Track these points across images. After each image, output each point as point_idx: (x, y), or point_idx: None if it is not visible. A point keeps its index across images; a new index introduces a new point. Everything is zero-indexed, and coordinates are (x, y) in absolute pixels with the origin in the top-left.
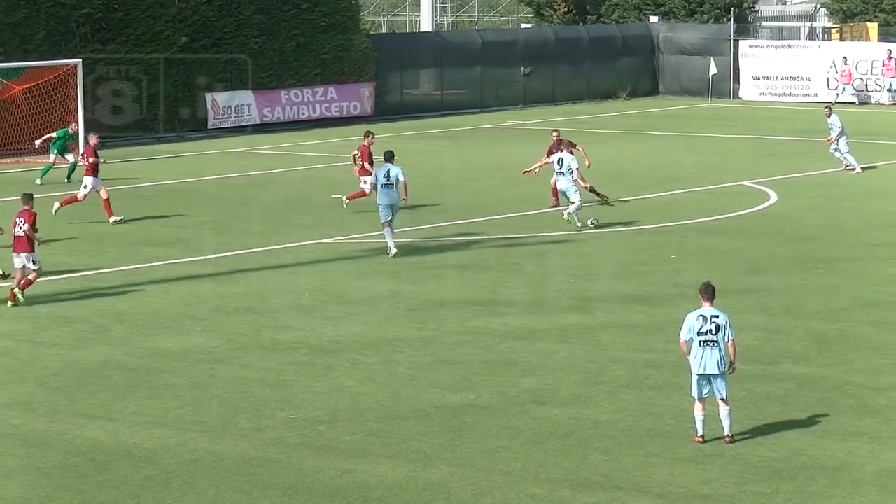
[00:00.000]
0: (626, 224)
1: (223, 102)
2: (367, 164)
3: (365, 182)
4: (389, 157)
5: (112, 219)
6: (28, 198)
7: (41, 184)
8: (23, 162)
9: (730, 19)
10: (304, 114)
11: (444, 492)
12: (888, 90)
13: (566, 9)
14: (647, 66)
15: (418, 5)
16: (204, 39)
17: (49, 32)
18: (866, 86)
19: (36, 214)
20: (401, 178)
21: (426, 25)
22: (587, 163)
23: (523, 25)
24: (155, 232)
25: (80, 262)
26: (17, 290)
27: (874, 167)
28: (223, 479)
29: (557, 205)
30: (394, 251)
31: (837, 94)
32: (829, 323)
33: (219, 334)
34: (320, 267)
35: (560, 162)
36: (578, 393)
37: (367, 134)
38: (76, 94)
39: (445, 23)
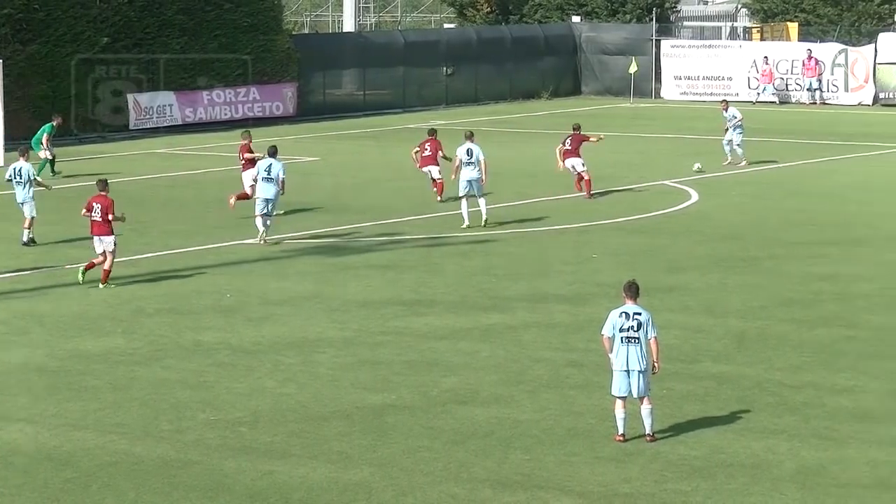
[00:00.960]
0: (547, 223)
1: (145, 103)
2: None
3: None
4: (273, 152)
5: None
6: (104, 183)
7: (55, 175)
8: None
9: (652, 19)
10: (226, 114)
11: (365, 492)
12: (808, 90)
13: (489, 9)
14: (569, 66)
15: (341, 5)
16: (125, 40)
17: None
18: (787, 85)
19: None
20: (281, 175)
21: (349, 25)
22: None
23: (446, 25)
24: (75, 233)
25: None
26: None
27: (792, 166)
28: (143, 481)
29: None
30: (263, 241)
31: (758, 94)
32: (748, 321)
33: (140, 336)
34: (242, 268)
35: (469, 153)
36: (500, 392)
37: (244, 134)
38: None
39: (368, 23)
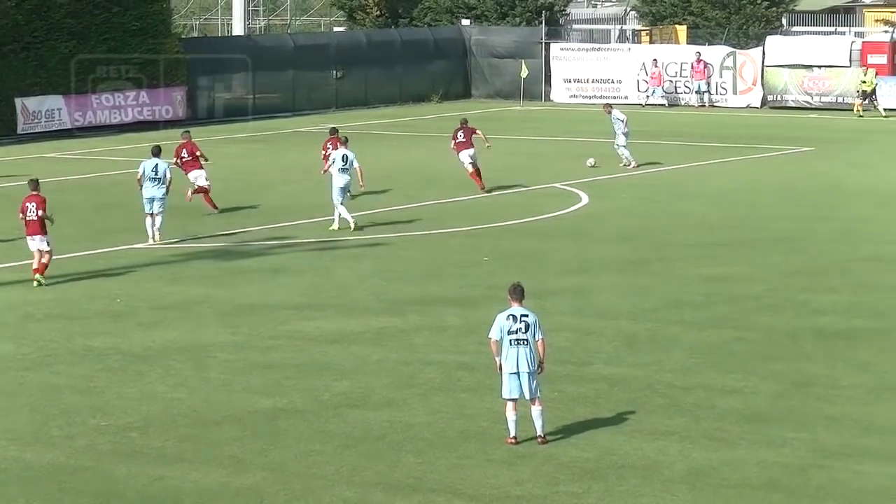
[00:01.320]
0: (438, 226)
1: (33, 107)
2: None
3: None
4: (157, 151)
5: None
6: (35, 183)
7: None
8: None
9: (541, 22)
10: (116, 118)
11: (257, 497)
12: (697, 92)
13: (378, 12)
14: (459, 69)
15: (230, 9)
16: (13, 43)
17: None
18: (675, 88)
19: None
20: (168, 175)
21: (238, 29)
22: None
23: (336, 29)
24: None
25: None
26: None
27: (681, 169)
28: (33, 488)
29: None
30: (154, 241)
31: (647, 97)
32: (639, 323)
33: (29, 341)
34: (132, 272)
35: (344, 158)
36: (392, 396)
37: (185, 134)
38: None
39: (258, 26)
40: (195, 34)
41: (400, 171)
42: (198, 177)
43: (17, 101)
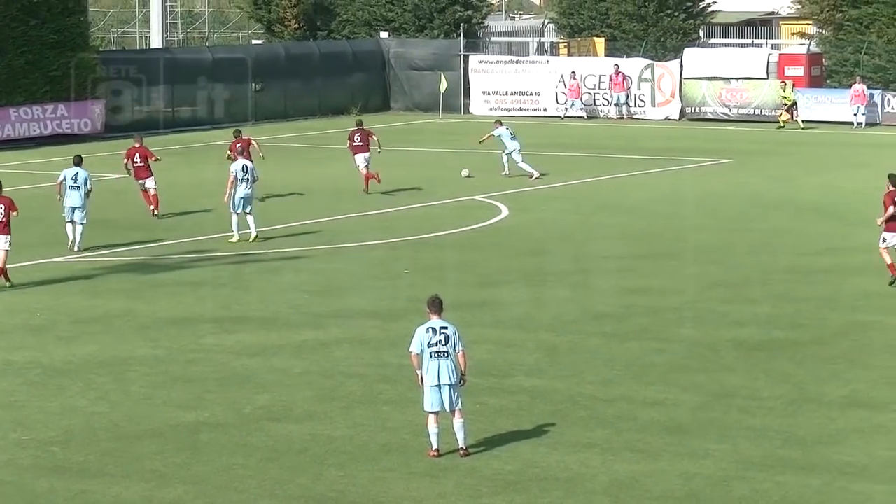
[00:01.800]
0: (358, 239)
1: None
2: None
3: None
4: (78, 161)
5: None
6: None
7: None
8: None
9: (459, 35)
10: (35, 131)
11: None
12: (615, 104)
13: (296, 25)
14: (378, 82)
15: (148, 22)
16: None
17: None
18: (594, 100)
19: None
20: (88, 183)
21: (156, 42)
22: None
23: (254, 42)
24: None
25: None
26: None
27: (601, 181)
28: None
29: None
30: (75, 248)
31: (566, 109)
32: (560, 335)
33: None
34: (51, 286)
35: (245, 169)
36: (313, 409)
37: (136, 137)
38: None
39: (176, 39)
40: (113, 47)
41: (319, 184)
42: (150, 183)
43: None
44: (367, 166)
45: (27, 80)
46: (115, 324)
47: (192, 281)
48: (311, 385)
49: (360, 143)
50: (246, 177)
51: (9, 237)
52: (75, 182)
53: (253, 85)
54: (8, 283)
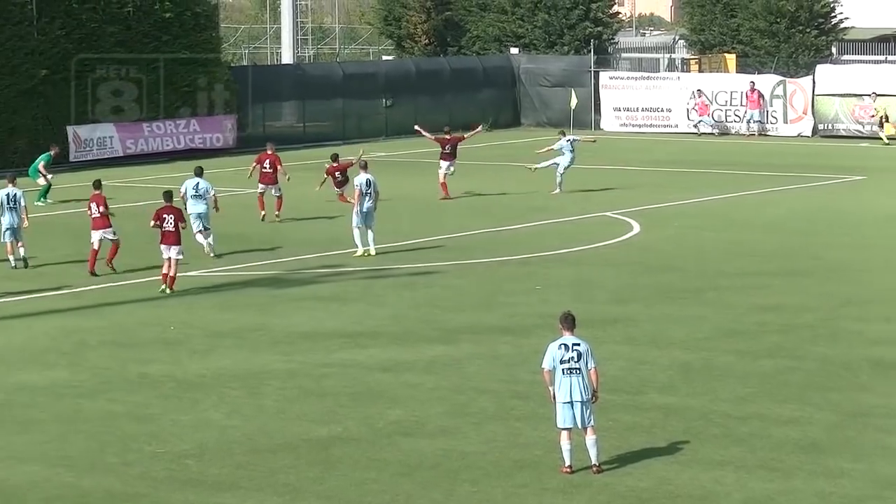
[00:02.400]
0: (490, 255)
1: (84, 135)
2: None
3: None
4: (199, 172)
5: None
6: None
7: (44, 204)
8: None
9: (590, 51)
10: (167, 145)
11: None
12: (749, 121)
13: (427, 41)
14: (508, 98)
15: (279, 38)
16: (64, 72)
17: None
18: (725, 116)
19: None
20: (210, 191)
21: (287, 57)
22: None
23: (384, 57)
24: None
25: None
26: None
27: (733, 197)
28: None
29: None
30: (212, 253)
31: (696, 126)
32: (693, 352)
33: (84, 368)
34: (185, 300)
35: (369, 183)
36: (445, 424)
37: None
38: None
39: (307, 55)
40: (244, 63)
41: (450, 200)
42: (275, 191)
43: (69, 130)
44: (447, 175)
45: (160, 95)
46: (248, 338)
47: (323, 296)
48: (444, 400)
49: (449, 152)
50: (369, 191)
51: (180, 247)
52: (196, 191)
53: (384, 101)
54: (167, 291)
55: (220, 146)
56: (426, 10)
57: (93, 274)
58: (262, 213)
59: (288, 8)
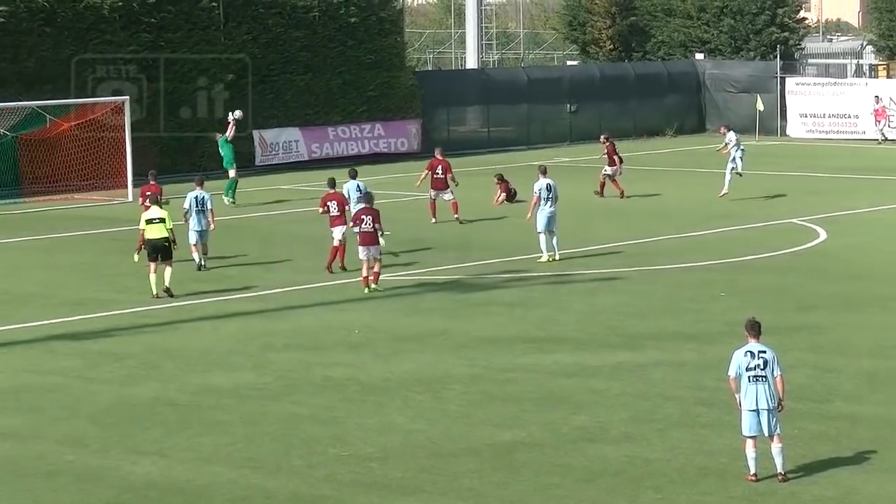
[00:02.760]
0: (673, 261)
1: (270, 139)
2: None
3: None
4: (354, 174)
5: None
6: (369, 197)
7: (233, 202)
8: (72, 198)
9: (776, 56)
10: (352, 150)
11: None
12: None
13: (611, 46)
14: (693, 103)
15: (464, 43)
16: (251, 76)
17: (97, 69)
18: None
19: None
20: (368, 191)
21: (472, 62)
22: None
23: (569, 63)
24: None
25: (129, 298)
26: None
27: None
28: None
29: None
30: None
31: (882, 131)
32: (880, 361)
33: (269, 371)
34: (369, 303)
35: (549, 188)
36: (630, 430)
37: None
38: (124, 130)
39: (491, 60)
40: (429, 67)
41: (634, 206)
42: (447, 195)
43: (255, 134)
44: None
45: (345, 99)
46: (431, 342)
47: (507, 301)
48: (628, 406)
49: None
50: (550, 196)
51: (378, 247)
52: (359, 192)
53: (568, 106)
54: (368, 289)
55: (405, 150)
56: (611, 15)
57: (329, 271)
58: (434, 220)
59: (473, 13)
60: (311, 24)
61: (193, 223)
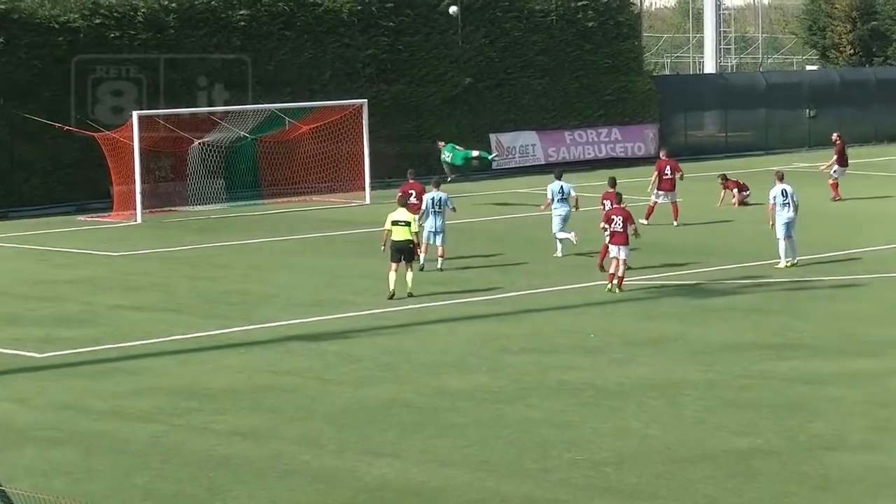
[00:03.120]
0: None
1: (507, 143)
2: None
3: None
4: (559, 175)
5: None
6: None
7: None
8: (310, 200)
9: None
10: (588, 154)
11: None
12: None
13: (852, 51)
14: None
15: (701, 47)
16: (487, 80)
17: (335, 73)
18: None
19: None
20: (573, 193)
21: (710, 67)
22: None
23: (808, 67)
24: (438, 271)
25: (365, 300)
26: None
27: None
28: None
29: None
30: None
31: None
32: None
33: (504, 374)
34: (606, 308)
35: (784, 194)
36: (868, 439)
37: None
38: (362, 133)
39: (729, 64)
40: (666, 72)
41: (882, 212)
42: (671, 197)
43: (492, 137)
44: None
45: (581, 103)
46: (667, 347)
47: (743, 306)
48: (867, 415)
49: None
50: (786, 201)
51: (627, 247)
52: (562, 194)
53: (807, 111)
54: (615, 291)
55: (642, 155)
56: (851, 19)
57: (602, 269)
58: (646, 221)
59: (711, 17)
60: (549, 27)
61: (429, 224)
